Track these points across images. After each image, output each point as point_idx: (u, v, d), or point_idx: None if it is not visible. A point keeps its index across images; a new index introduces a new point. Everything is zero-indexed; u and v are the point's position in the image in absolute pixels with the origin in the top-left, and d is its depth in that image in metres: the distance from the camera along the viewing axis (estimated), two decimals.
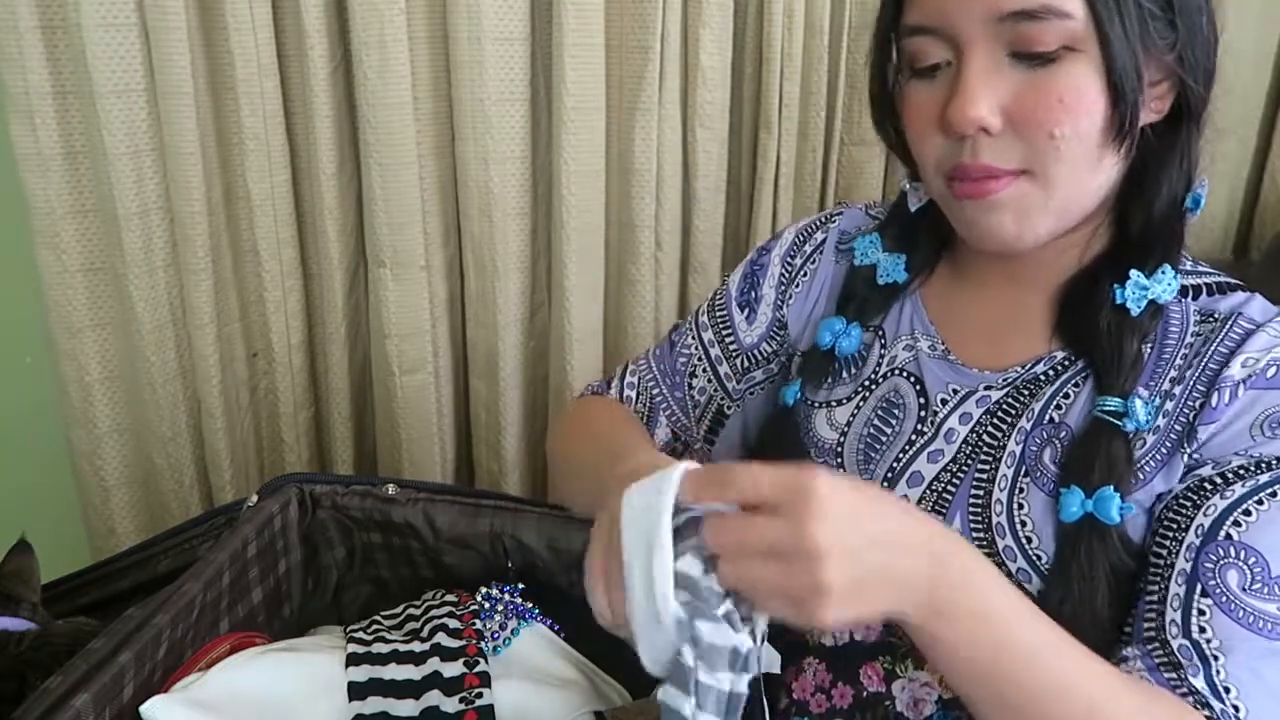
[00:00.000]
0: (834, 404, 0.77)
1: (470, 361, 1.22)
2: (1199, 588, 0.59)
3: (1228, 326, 0.65)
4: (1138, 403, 0.63)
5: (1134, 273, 0.65)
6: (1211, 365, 0.64)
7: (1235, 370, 0.62)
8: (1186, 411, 0.63)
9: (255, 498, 0.76)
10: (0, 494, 1.18)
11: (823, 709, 0.72)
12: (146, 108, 0.99)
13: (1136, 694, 0.57)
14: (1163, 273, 0.65)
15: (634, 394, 0.86)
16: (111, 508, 1.11)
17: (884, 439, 0.74)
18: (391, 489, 0.78)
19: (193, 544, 0.78)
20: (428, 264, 1.14)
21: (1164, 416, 0.64)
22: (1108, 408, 0.64)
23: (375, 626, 0.74)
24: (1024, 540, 0.65)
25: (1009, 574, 0.65)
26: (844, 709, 0.71)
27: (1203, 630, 0.58)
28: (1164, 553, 0.61)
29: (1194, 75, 0.63)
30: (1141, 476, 0.63)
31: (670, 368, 0.85)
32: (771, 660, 0.64)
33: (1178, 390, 0.64)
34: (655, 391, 0.85)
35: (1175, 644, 0.58)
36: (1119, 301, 0.65)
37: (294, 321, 1.15)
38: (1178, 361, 0.65)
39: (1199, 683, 0.57)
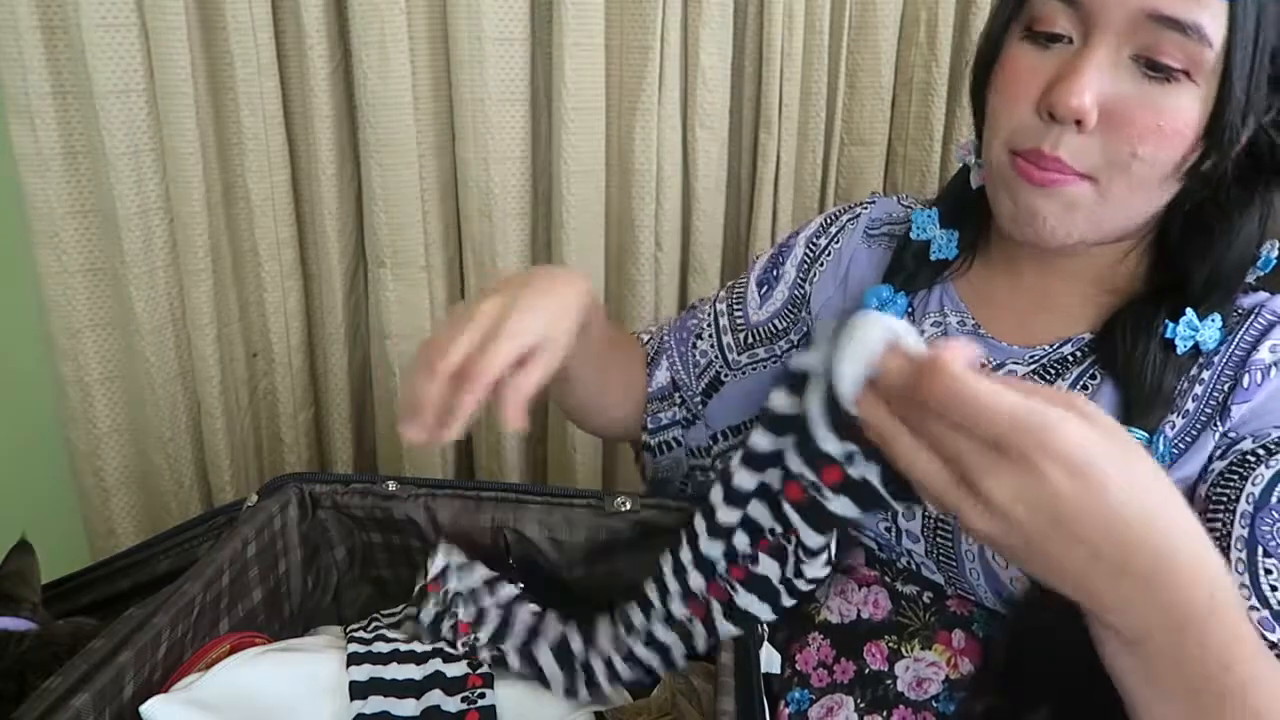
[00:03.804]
0: None
1: None
2: (1260, 549, 0.59)
3: (1253, 317, 0.66)
4: (1161, 440, 0.64)
5: (1189, 312, 0.65)
6: (1239, 351, 0.65)
7: (1264, 354, 0.64)
8: (1216, 394, 0.64)
9: (255, 497, 0.76)
10: (0, 494, 1.18)
11: (823, 683, 0.72)
12: (146, 108, 0.99)
13: None
14: (1212, 320, 0.65)
15: (648, 336, 0.91)
16: (111, 508, 1.11)
17: None
18: (392, 485, 0.78)
19: (193, 544, 0.78)
20: (428, 264, 1.14)
21: (1194, 400, 0.65)
22: None
23: (375, 626, 0.74)
24: None
25: None
26: (844, 684, 0.71)
27: (1274, 589, 0.58)
28: (1218, 524, 0.61)
29: None
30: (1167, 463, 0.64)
31: (683, 325, 0.90)
32: (771, 660, 0.64)
33: (1206, 375, 0.65)
34: (666, 339, 0.89)
35: (1257, 616, 0.58)
36: (1168, 336, 0.65)
37: (294, 322, 1.14)
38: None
39: (1277, 635, 0.57)
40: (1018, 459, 0.41)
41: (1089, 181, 0.64)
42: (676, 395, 0.87)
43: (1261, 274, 0.68)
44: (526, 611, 0.70)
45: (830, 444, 0.48)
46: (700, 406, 0.86)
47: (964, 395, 0.42)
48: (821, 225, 0.87)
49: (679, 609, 0.61)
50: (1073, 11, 0.62)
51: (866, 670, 0.71)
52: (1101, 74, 0.60)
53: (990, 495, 0.42)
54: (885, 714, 0.69)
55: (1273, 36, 0.59)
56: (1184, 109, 0.60)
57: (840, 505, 0.50)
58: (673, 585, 0.61)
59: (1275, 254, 0.67)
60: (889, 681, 0.70)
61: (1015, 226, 0.68)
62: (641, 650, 0.63)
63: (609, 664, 0.64)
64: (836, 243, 0.84)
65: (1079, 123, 0.61)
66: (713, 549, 0.58)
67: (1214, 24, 0.58)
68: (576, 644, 0.66)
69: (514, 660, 0.66)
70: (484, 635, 0.68)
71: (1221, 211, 0.66)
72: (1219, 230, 0.66)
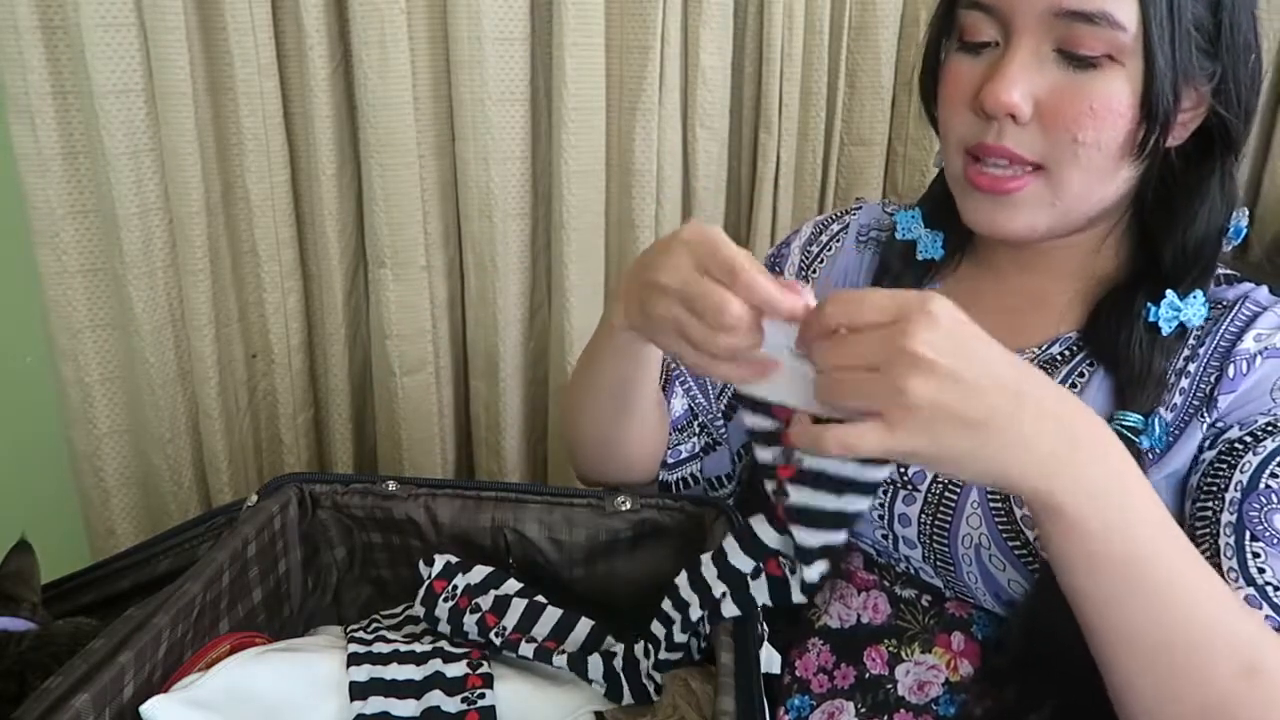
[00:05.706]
0: None
1: (470, 362, 1.22)
2: (1248, 534, 0.59)
3: (1237, 308, 0.67)
4: (1157, 422, 0.64)
5: (1169, 293, 0.66)
6: (1224, 342, 0.65)
7: (1249, 344, 0.64)
8: (1203, 386, 0.65)
9: (255, 498, 0.76)
10: (0, 494, 1.18)
11: (824, 689, 0.72)
12: (145, 108, 0.98)
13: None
14: (1194, 297, 0.66)
15: None
16: (111, 508, 1.11)
17: None
18: (392, 485, 0.78)
19: (193, 544, 0.77)
20: (428, 264, 1.14)
21: (1180, 394, 0.65)
22: (1127, 423, 0.64)
23: (375, 626, 0.74)
24: None
25: (1026, 542, 0.66)
26: (845, 689, 0.71)
27: (1261, 571, 0.58)
28: (1208, 513, 0.62)
29: (1231, 109, 0.64)
30: (1155, 456, 0.64)
31: None
32: (770, 661, 0.64)
33: (1192, 368, 0.66)
34: (674, 366, 0.86)
35: (1242, 594, 0.58)
36: (1151, 320, 0.66)
37: (293, 322, 1.14)
38: (1190, 342, 0.67)
39: (1263, 613, 0.57)
40: (915, 315, 0.48)
41: (1040, 174, 0.65)
42: (695, 424, 0.85)
43: (1235, 243, 0.69)
44: (553, 610, 0.70)
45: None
46: (721, 429, 0.85)
47: (853, 300, 0.50)
48: (813, 233, 0.87)
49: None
50: (991, 18, 0.64)
51: (867, 675, 0.71)
52: (1027, 70, 0.63)
53: (915, 349, 0.47)
54: (886, 718, 0.69)
55: (1192, 5, 0.61)
56: (1114, 91, 0.62)
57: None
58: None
59: (1245, 223, 0.68)
60: (889, 686, 0.70)
61: (978, 226, 0.69)
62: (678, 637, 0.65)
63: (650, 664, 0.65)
64: (829, 250, 0.84)
65: (1014, 118, 0.63)
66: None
67: (1123, 7, 0.60)
68: (617, 648, 0.67)
69: (559, 660, 0.66)
70: (510, 623, 0.68)
71: (1182, 188, 0.67)
72: (1181, 206, 0.67)
